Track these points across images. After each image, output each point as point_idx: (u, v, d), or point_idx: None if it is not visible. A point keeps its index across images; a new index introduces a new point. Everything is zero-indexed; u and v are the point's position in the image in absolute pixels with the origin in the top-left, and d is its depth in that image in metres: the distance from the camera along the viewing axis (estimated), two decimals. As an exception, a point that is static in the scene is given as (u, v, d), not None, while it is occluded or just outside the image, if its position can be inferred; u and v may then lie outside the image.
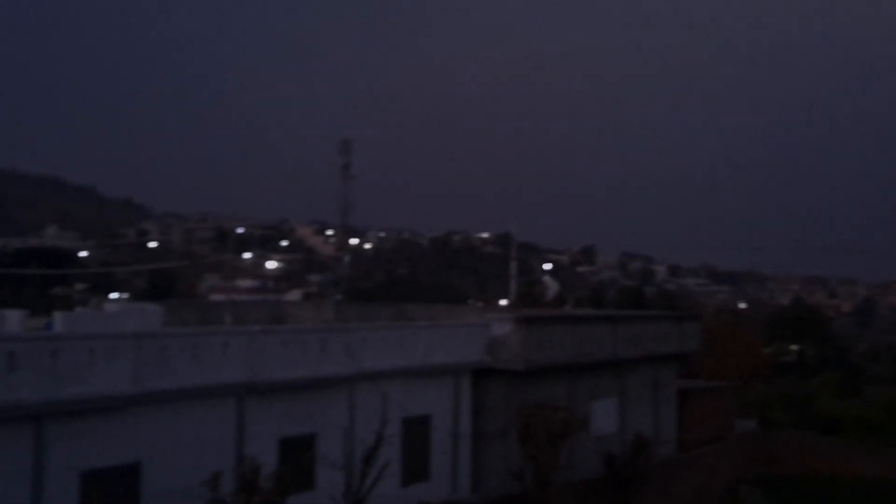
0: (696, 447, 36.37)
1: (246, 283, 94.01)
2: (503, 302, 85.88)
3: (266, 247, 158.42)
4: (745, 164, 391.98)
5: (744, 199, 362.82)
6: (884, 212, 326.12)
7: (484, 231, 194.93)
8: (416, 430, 24.70)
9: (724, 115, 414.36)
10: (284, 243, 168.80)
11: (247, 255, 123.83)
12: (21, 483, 15.71)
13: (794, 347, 65.74)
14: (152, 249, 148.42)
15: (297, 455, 20.43)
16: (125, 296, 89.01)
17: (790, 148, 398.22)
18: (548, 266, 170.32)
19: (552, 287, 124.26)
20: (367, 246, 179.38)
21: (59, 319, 20.29)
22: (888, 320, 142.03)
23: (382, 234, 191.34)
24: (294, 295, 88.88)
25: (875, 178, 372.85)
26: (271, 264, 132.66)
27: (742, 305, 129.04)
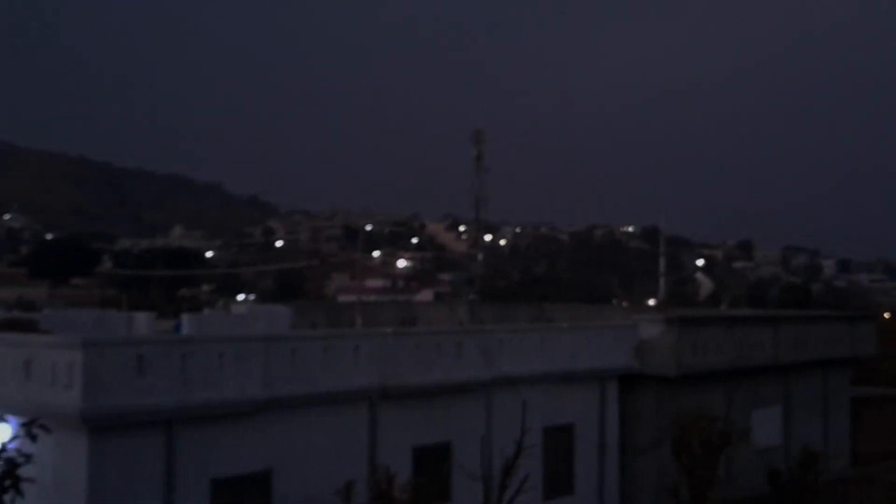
0: (875, 461, 34.86)
1: (376, 282, 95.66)
2: (651, 301, 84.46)
3: (396, 244, 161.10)
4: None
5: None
6: None
7: (629, 224, 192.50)
8: (559, 440, 24.57)
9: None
10: (415, 240, 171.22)
11: (376, 254, 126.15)
12: (152, 490, 16.41)
13: None
14: (279, 249, 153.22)
15: (432, 464, 20.63)
16: (252, 297, 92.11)
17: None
18: (701, 262, 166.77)
19: (706, 285, 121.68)
20: (503, 242, 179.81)
21: (186, 321, 21.16)
22: None
23: (518, 230, 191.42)
24: (425, 295, 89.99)
25: None
26: (401, 263, 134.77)
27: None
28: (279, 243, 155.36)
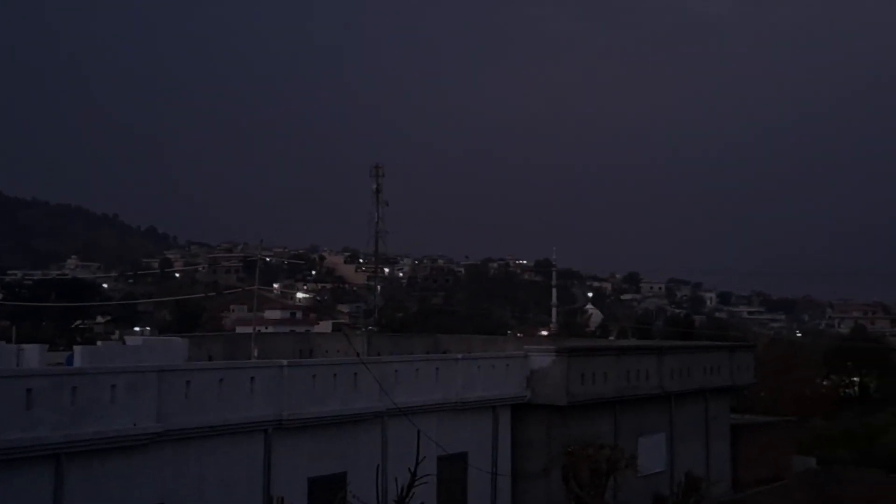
0: (752, 487, 35.78)
1: (274, 314, 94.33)
2: (544, 332, 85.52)
3: (295, 276, 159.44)
4: (798, 187, 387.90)
5: (799, 223, 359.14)
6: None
7: (523, 258, 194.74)
8: (453, 469, 24.56)
9: (772, 135, 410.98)
10: (314, 272, 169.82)
11: (275, 286, 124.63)
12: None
13: (855, 380, 64.58)
14: (176, 280, 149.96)
15: (327, 494, 20.37)
16: (148, 329, 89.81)
17: (847, 170, 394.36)
18: (591, 294, 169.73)
19: (596, 316, 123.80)
20: (401, 274, 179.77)
21: (79, 353, 20.48)
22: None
23: (416, 262, 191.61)
24: (324, 326, 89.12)
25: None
26: (300, 294, 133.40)
27: (798, 335, 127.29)
28: (177, 275, 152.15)
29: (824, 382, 60.61)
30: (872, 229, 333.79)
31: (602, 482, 24.90)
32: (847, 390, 63.24)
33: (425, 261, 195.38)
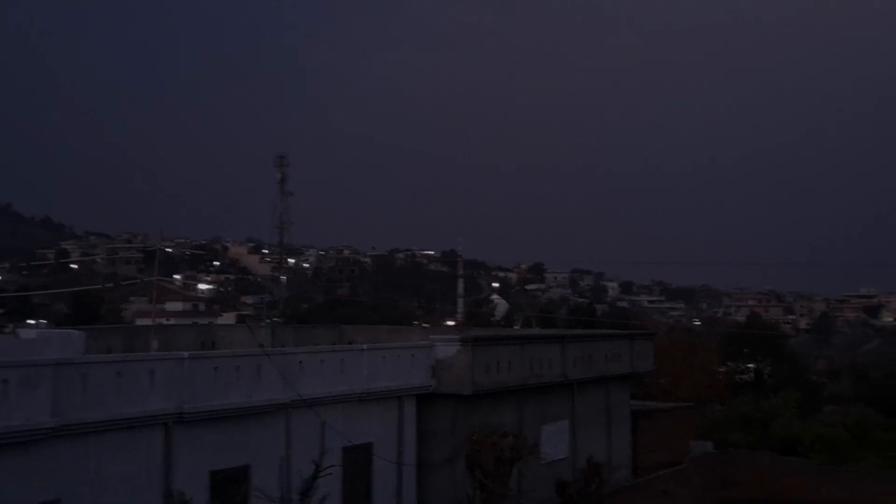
0: (652, 471, 36.68)
1: (175, 306, 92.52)
2: (450, 322, 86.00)
3: (197, 267, 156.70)
4: (697, 178, 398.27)
5: (695, 214, 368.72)
6: (840, 226, 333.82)
7: (429, 249, 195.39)
8: (358, 459, 24.56)
9: (675, 130, 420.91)
10: (217, 263, 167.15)
11: (176, 277, 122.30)
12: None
13: (750, 366, 66.63)
14: (74, 271, 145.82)
15: (230, 488, 20.17)
16: (44, 322, 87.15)
17: (742, 162, 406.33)
18: (496, 284, 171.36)
19: (501, 306, 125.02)
20: (306, 265, 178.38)
21: (-31, 347, 19.78)
22: (846, 337, 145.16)
23: (322, 253, 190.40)
24: (228, 318, 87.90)
25: (830, 193, 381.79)
26: (203, 286, 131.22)
27: (696, 323, 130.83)
28: (74, 266, 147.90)
29: (721, 369, 62.26)
30: (766, 220, 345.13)
31: (506, 470, 25.23)
32: (742, 376, 65.11)
33: (331, 252, 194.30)
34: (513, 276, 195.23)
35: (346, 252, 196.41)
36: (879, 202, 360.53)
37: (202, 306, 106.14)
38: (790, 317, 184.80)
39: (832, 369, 78.47)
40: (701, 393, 52.50)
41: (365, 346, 26.33)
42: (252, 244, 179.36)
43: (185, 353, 20.56)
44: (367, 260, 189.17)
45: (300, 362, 23.04)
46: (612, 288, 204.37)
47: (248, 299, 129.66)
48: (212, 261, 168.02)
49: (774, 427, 46.99)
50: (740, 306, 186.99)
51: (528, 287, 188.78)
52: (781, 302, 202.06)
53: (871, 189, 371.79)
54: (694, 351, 58.50)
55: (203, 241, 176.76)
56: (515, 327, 78.89)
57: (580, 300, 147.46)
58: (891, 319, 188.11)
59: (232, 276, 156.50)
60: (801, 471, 41.13)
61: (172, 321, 62.20)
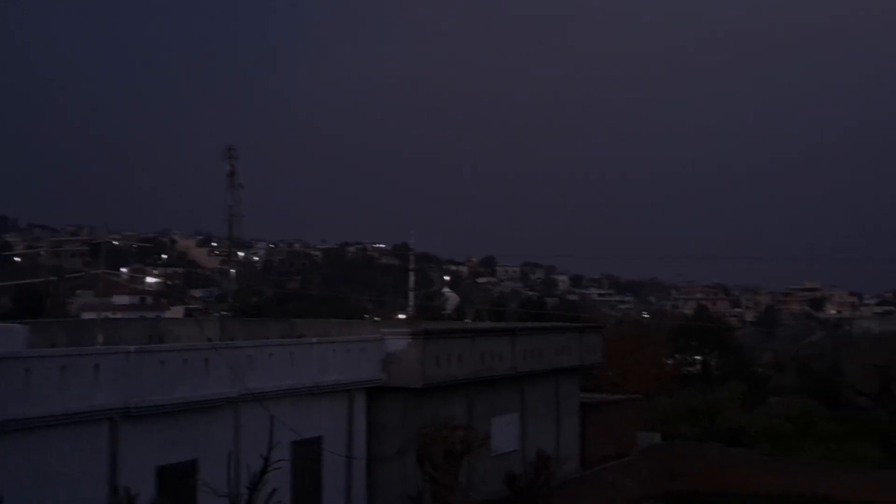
0: (600, 463, 37.04)
1: (122, 299, 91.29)
2: (401, 316, 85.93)
3: (145, 261, 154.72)
4: (644, 173, 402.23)
5: (645, 209, 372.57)
6: (786, 219, 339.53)
7: (380, 242, 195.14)
8: (307, 454, 24.48)
9: (625, 126, 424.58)
10: (165, 256, 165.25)
11: (123, 270, 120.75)
12: None
13: (697, 358, 67.56)
14: (17, 264, 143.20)
15: (177, 483, 19.97)
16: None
17: (687, 158, 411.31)
18: (447, 278, 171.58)
19: (452, 299, 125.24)
20: (256, 259, 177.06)
21: None
22: (791, 329, 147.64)
23: (272, 246, 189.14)
24: (176, 312, 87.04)
25: (776, 186, 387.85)
26: (150, 279, 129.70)
27: (645, 316, 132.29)
28: (17, 259, 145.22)
29: (669, 361, 63.07)
30: (714, 215, 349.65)
31: (456, 463, 25.32)
32: (690, 369, 66.03)
33: (281, 245, 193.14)
34: (464, 269, 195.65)
35: (297, 245, 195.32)
36: (821, 197, 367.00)
37: (150, 300, 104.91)
38: (736, 310, 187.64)
39: (777, 361, 79.83)
40: (649, 385, 53.15)
41: (315, 340, 26.23)
42: (201, 237, 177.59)
43: (132, 348, 20.33)
44: (318, 253, 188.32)
45: (249, 356, 22.90)
46: (563, 281, 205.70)
47: (197, 293, 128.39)
48: (160, 254, 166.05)
49: (721, 419, 47.72)
50: (688, 299, 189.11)
51: (479, 280, 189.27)
52: (728, 295, 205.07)
53: (814, 184, 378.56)
54: (642, 343, 59.16)
55: (151, 235, 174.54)
56: (466, 321, 79.07)
57: (531, 294, 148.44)
58: (834, 312, 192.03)
59: (180, 270, 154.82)
60: (746, 462, 41.84)
61: (119, 315, 61.42)
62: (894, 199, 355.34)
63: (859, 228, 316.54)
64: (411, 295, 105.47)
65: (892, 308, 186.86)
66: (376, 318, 70.05)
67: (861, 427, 46.80)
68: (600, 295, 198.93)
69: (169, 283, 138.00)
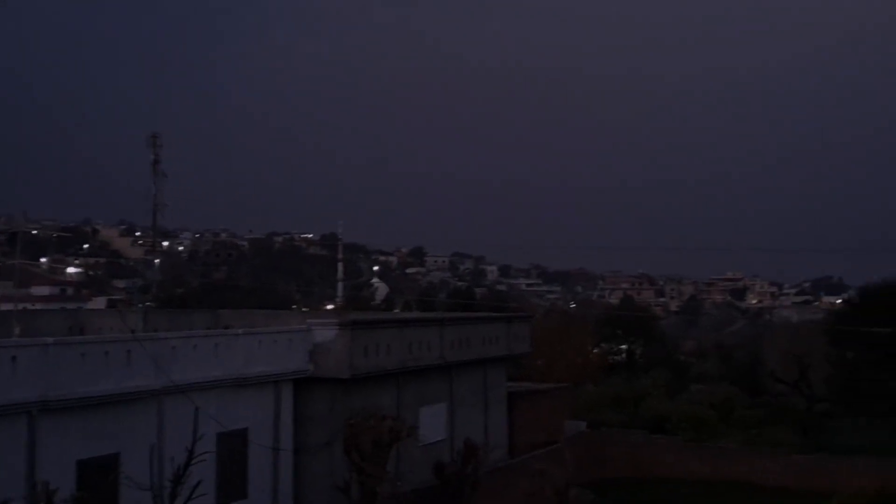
0: (528, 451, 37.38)
1: (42, 290, 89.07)
2: (330, 306, 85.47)
3: (66, 250, 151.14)
4: (573, 165, 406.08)
5: (570, 198, 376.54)
6: (709, 210, 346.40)
7: (308, 232, 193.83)
8: (233, 446, 24.23)
9: (548, 111, 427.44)
10: (86, 246, 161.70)
11: (43, 260, 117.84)
12: None
13: (623, 347, 68.55)
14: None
15: (98, 477, 19.59)
16: None
17: (617, 149, 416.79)
18: (377, 268, 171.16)
19: (381, 289, 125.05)
20: (181, 249, 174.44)
21: None
22: (713, 318, 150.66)
23: (197, 236, 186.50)
24: (98, 302, 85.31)
25: (700, 177, 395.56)
26: (71, 269, 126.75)
27: (572, 305, 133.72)
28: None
29: (595, 350, 63.90)
30: (635, 206, 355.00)
31: (384, 453, 25.28)
32: (615, 357, 66.99)
33: (207, 234, 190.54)
34: (393, 259, 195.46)
35: (223, 235, 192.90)
36: (743, 188, 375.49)
37: (71, 290, 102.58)
38: (661, 299, 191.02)
39: (700, 350, 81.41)
40: (575, 374, 53.75)
41: (241, 331, 25.95)
42: (124, 227, 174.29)
43: (50, 339, 19.86)
44: (245, 243, 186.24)
45: (173, 348, 22.56)
46: (492, 272, 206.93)
47: (120, 283, 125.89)
48: (81, 244, 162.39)
49: (645, 406, 48.56)
50: (614, 289, 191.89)
51: (408, 271, 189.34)
52: (653, 285, 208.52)
53: (736, 175, 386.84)
54: (569, 333, 59.77)
55: (72, 224, 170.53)
56: (395, 311, 79.00)
57: (460, 284, 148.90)
58: (755, 302, 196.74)
59: (103, 260, 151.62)
60: (669, 448, 42.67)
61: (38, 306, 59.95)
62: (813, 191, 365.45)
63: (780, 219, 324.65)
64: (340, 285, 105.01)
65: (810, 298, 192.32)
66: (304, 309, 69.53)
67: (780, 413, 48.03)
68: (528, 285, 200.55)
69: (91, 273, 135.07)
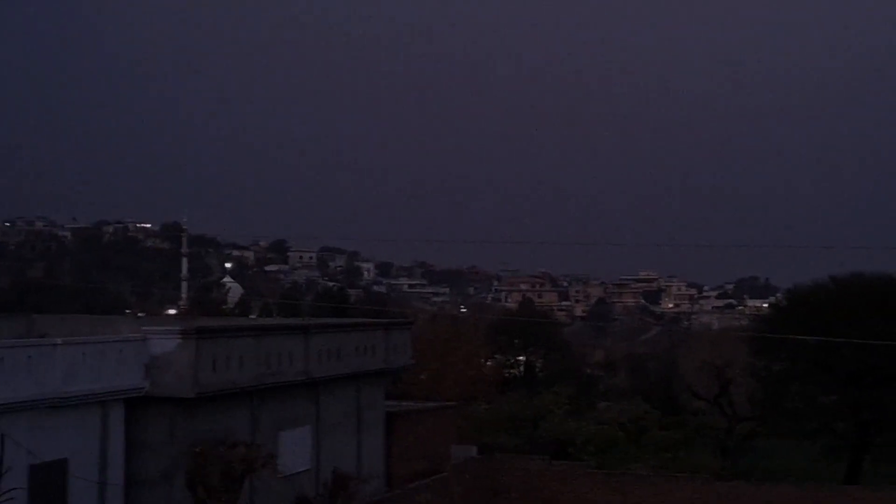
0: (408, 481, 37.48)
1: None
2: (172, 311, 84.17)
3: None
4: (462, 156, 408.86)
5: (464, 191, 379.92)
6: (618, 204, 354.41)
7: (147, 221, 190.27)
8: (49, 479, 23.59)
9: (440, 106, 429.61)
10: None
11: None
12: None
13: (521, 358, 69.41)
14: None
15: None
16: None
17: (511, 141, 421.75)
18: (229, 265, 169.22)
19: (235, 290, 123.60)
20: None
21: None
22: (624, 325, 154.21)
23: (7, 225, 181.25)
24: None
25: (610, 169, 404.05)
26: None
27: (463, 309, 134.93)
28: None
29: (488, 363, 64.45)
30: (542, 197, 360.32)
31: (236, 486, 25.12)
32: (512, 370, 67.78)
33: (20, 223, 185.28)
34: (250, 255, 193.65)
35: (40, 224, 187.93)
36: (659, 179, 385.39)
37: None
38: (565, 303, 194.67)
39: (609, 361, 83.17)
40: (465, 390, 54.11)
41: (60, 341, 25.20)
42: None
43: None
44: (67, 234, 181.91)
45: (-26, 361, 21.80)
46: (368, 270, 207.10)
47: None
48: None
49: (545, 427, 49.23)
50: (511, 291, 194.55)
51: (268, 268, 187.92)
52: (556, 286, 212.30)
53: (649, 167, 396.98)
54: (458, 342, 60.14)
55: None
56: (252, 316, 78.27)
57: (330, 284, 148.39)
58: (671, 306, 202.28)
59: None
60: (573, 475, 43.35)
61: None
62: (737, 185, 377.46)
63: (699, 215, 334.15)
64: (184, 285, 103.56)
65: (733, 301, 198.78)
66: (140, 314, 68.27)
67: (698, 434, 49.41)
68: (411, 286, 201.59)
69: None
